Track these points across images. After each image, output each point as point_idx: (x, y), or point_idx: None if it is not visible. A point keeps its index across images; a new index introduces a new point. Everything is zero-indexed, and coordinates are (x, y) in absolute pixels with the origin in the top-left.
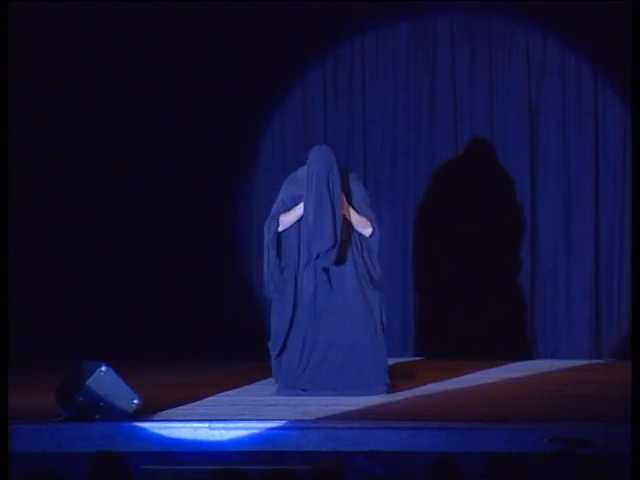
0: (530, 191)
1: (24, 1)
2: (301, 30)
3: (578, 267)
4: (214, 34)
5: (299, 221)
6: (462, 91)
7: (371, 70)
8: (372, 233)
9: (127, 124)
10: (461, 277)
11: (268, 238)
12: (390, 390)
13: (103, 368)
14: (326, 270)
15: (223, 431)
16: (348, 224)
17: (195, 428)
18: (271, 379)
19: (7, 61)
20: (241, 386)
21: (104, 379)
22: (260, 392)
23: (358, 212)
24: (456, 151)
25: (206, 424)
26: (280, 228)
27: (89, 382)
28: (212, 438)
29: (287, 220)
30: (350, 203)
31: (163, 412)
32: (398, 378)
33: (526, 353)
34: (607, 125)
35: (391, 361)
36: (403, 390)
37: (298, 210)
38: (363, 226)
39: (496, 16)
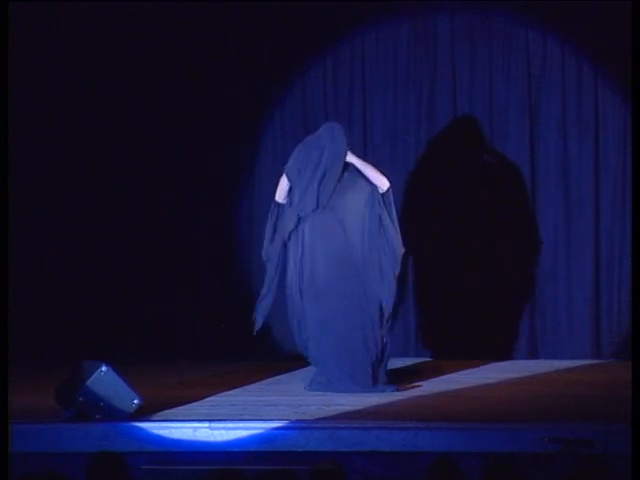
0: (530, 191)
1: (24, 1)
2: (301, 30)
3: (578, 267)
4: (214, 34)
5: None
6: (462, 91)
7: (371, 70)
8: (388, 188)
9: (126, 124)
10: (461, 277)
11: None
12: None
13: (103, 368)
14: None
15: (223, 431)
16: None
17: (195, 428)
18: (270, 379)
19: (7, 61)
20: (241, 386)
21: (104, 379)
22: (260, 392)
23: None
24: (456, 151)
25: (206, 424)
26: (277, 197)
27: (89, 382)
28: (212, 438)
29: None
30: None
31: (163, 412)
32: (398, 378)
33: (526, 353)
34: (607, 125)
35: (391, 361)
36: (403, 390)
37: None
38: (378, 178)
39: (496, 16)
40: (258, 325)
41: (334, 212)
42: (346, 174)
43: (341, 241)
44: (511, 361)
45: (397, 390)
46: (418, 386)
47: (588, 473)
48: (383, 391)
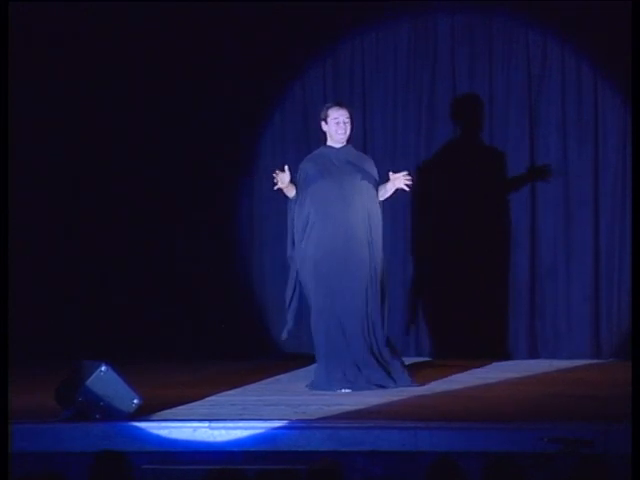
0: (530, 191)
1: (24, 1)
2: (301, 30)
3: (578, 267)
4: (214, 34)
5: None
6: (462, 91)
7: (371, 70)
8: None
9: (127, 124)
10: (461, 277)
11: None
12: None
13: (103, 368)
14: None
15: (223, 431)
16: None
17: (195, 428)
18: (270, 379)
19: (7, 61)
20: (241, 386)
21: (104, 379)
22: (260, 392)
23: None
24: (456, 151)
25: (206, 424)
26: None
27: (89, 382)
28: (212, 438)
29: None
30: None
31: (163, 412)
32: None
33: (526, 353)
34: (607, 125)
35: None
36: (403, 390)
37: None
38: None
39: (496, 16)
40: (289, 327)
41: (342, 188)
42: (354, 151)
43: (351, 217)
44: (511, 361)
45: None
46: (418, 386)
47: (588, 473)
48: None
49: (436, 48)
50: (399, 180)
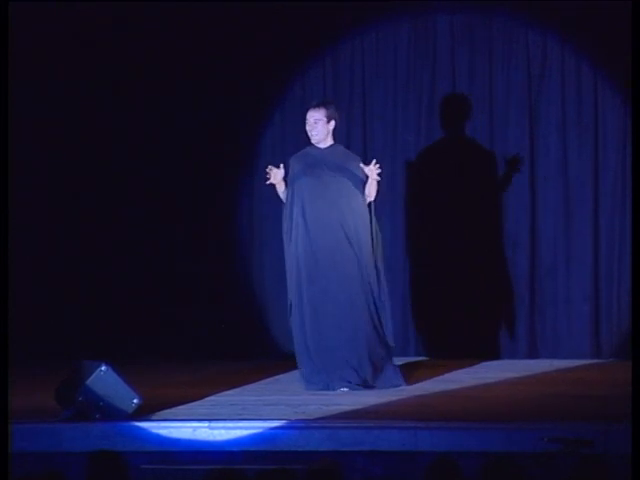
0: (530, 191)
1: (24, 1)
2: (301, 30)
3: (578, 267)
4: (214, 34)
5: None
6: (462, 91)
7: (371, 70)
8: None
9: (127, 124)
10: (461, 277)
11: None
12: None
13: (103, 368)
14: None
15: (223, 431)
16: None
17: (195, 428)
18: (270, 379)
19: (7, 61)
20: (241, 386)
21: (104, 379)
22: (260, 392)
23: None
24: (456, 151)
25: (206, 424)
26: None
27: (89, 382)
28: (212, 438)
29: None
30: None
31: (163, 412)
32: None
33: (526, 353)
34: (607, 125)
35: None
36: (403, 390)
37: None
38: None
39: (496, 16)
40: None
41: (326, 187)
42: (341, 151)
43: (335, 216)
44: (511, 361)
45: (399, 385)
46: (418, 386)
47: (588, 473)
48: (386, 385)
49: (436, 48)
50: (372, 172)
